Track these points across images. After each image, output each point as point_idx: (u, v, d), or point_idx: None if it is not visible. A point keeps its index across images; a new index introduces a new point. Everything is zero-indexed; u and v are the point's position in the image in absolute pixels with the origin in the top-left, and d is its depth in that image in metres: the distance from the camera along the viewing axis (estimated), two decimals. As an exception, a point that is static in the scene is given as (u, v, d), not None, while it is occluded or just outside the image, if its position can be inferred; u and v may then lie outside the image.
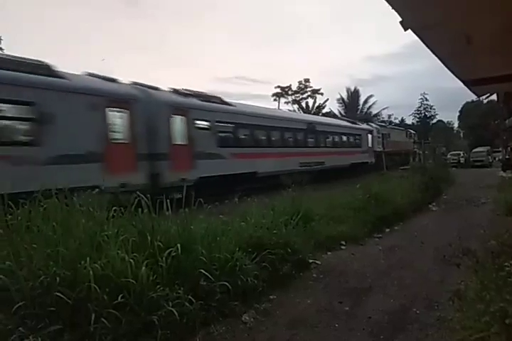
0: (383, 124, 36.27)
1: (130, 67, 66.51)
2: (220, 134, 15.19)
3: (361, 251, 7.21)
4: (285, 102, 52.44)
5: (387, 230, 8.98)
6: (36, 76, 9.42)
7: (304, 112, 46.96)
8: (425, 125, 22.38)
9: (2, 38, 31.99)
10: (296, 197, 7.83)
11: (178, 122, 13.27)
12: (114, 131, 11.19)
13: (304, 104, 52.08)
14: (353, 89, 53.40)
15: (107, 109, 10.91)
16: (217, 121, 14.91)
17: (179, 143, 13.17)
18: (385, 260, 6.57)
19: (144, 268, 3.57)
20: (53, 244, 3.53)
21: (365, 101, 52.73)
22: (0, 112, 8.84)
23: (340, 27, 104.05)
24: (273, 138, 18.73)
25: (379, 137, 31.23)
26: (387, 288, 5.21)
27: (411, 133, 39.07)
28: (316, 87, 52.09)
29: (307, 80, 52.17)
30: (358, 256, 6.84)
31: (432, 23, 3.47)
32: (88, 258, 3.38)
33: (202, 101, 14.71)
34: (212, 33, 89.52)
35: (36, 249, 3.42)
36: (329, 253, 6.94)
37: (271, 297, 4.88)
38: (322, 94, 52.02)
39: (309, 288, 5.29)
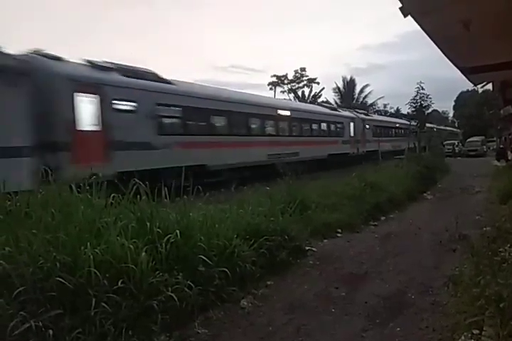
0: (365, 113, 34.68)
1: (127, 55, 65.53)
2: (153, 119, 12.29)
3: (357, 238, 7.28)
4: (281, 91, 52.27)
5: (383, 218, 9.07)
6: None
7: (300, 101, 46.77)
8: (421, 114, 22.29)
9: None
10: (292, 186, 7.88)
11: (85, 102, 10.38)
12: None
13: (300, 93, 51.95)
14: (349, 78, 53.34)
15: None
16: (148, 103, 12.08)
17: (86, 129, 10.35)
18: (381, 247, 6.65)
19: (143, 253, 3.60)
20: (53, 230, 3.54)
21: (361, 91, 52.71)
22: None
23: (337, 15, 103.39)
24: (231, 125, 15.62)
25: (366, 126, 29.41)
26: (383, 273, 5.29)
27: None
28: (313, 76, 51.93)
29: (303, 69, 51.93)
30: (354, 243, 6.91)
31: (431, 9, 3.46)
32: (88, 244, 3.40)
33: (128, 76, 11.78)
34: (212, 20, 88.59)
35: (36, 234, 3.43)
36: (325, 240, 7.01)
37: (268, 283, 4.94)
38: (318, 83, 51.87)
39: (306, 274, 5.36)
